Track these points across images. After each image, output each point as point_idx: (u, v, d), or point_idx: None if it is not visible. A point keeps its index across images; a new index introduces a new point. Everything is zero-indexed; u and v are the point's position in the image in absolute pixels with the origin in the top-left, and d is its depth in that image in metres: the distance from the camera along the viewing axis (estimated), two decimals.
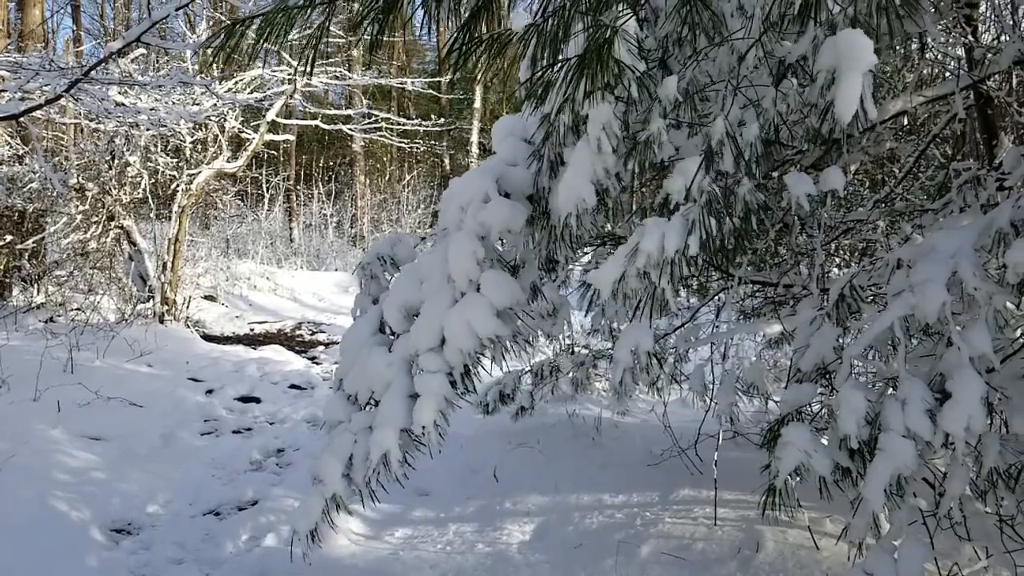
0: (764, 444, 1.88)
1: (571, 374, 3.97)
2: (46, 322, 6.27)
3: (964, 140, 3.52)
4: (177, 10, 3.23)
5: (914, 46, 3.02)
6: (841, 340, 2.11)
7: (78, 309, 6.69)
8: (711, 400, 2.94)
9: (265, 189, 13.24)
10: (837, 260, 3.83)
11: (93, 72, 3.63)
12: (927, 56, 3.13)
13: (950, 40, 2.86)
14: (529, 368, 4.10)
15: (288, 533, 3.33)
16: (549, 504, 3.39)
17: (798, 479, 1.82)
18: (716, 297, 3.48)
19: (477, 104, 15.19)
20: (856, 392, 1.81)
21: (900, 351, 1.85)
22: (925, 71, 3.61)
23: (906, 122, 3.66)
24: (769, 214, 2.63)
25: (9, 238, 6.40)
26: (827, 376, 2.13)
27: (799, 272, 3.26)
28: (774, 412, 2.64)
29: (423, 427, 1.90)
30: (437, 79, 11.77)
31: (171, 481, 3.87)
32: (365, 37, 1.84)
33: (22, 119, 5.42)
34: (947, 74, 2.81)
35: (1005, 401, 1.87)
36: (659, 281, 1.68)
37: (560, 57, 1.69)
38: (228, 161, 7.54)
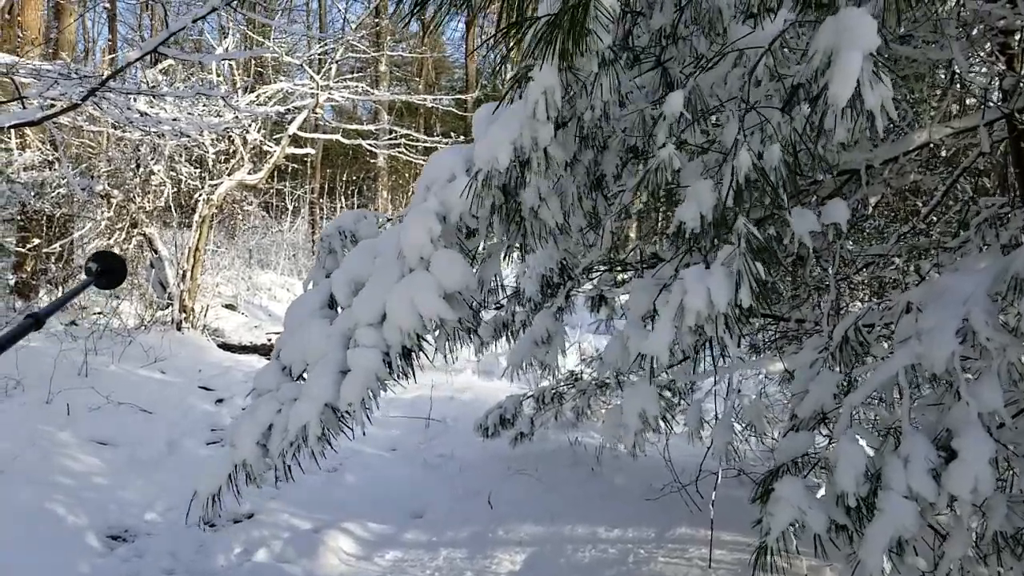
0: (756, 498, 1.78)
1: (575, 401, 3.89)
2: (68, 325, 6.39)
3: (1006, 176, 3.37)
4: (194, 22, 3.27)
5: (943, 76, 2.90)
6: (844, 384, 2.00)
7: (100, 313, 6.81)
8: (711, 436, 2.83)
9: (289, 201, 13.38)
10: (859, 295, 3.69)
11: (114, 82, 3.70)
12: (956, 86, 3.01)
13: (983, 70, 2.73)
14: (531, 393, 4.02)
15: (280, 549, 3.29)
16: (543, 534, 3.30)
17: (794, 532, 1.72)
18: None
19: None
20: (855, 446, 1.70)
21: (904, 403, 1.74)
22: (958, 101, 3.47)
23: (939, 154, 3.51)
24: (781, 245, 2.54)
25: (36, 241, 6.56)
26: (827, 422, 2.02)
27: (814, 307, 3.14)
28: None
29: (349, 404, 1.78)
30: (463, 96, 11.84)
31: (172, 489, 3.86)
32: None
33: (51, 127, 5.56)
34: (989, 104, 2.67)
35: (1016, 459, 1.75)
36: (716, 333, 1.61)
37: (528, 15, 1.56)
38: (249, 173, 7.63)
